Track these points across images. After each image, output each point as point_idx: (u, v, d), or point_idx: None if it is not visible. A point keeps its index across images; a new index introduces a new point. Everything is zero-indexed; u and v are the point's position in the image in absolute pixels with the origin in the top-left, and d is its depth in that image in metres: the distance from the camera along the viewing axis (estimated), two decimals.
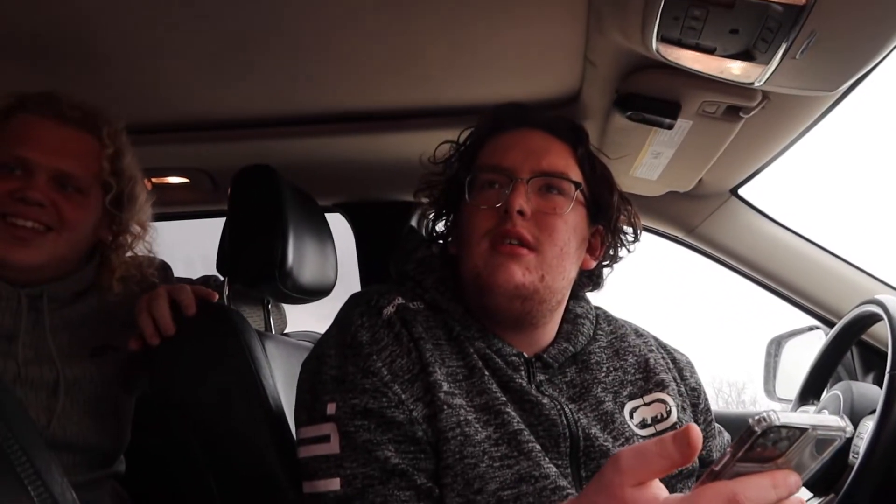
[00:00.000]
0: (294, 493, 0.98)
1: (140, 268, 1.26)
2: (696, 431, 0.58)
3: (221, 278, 1.35)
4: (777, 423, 0.54)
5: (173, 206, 1.94)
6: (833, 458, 1.15)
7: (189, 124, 1.53)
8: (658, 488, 0.60)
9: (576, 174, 1.03)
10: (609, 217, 1.07)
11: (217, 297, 1.20)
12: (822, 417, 0.58)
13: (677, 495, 0.59)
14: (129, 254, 1.26)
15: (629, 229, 1.12)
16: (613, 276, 1.17)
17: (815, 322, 1.76)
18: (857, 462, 1.02)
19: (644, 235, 1.80)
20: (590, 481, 0.65)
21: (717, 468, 0.58)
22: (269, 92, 1.40)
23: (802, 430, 0.56)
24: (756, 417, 0.55)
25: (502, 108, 1.09)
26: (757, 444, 0.55)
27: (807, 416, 0.56)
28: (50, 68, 1.30)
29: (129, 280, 1.24)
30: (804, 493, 1.21)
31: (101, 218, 1.22)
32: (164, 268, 1.38)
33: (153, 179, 1.77)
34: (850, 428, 0.58)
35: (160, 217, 2.00)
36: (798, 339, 1.84)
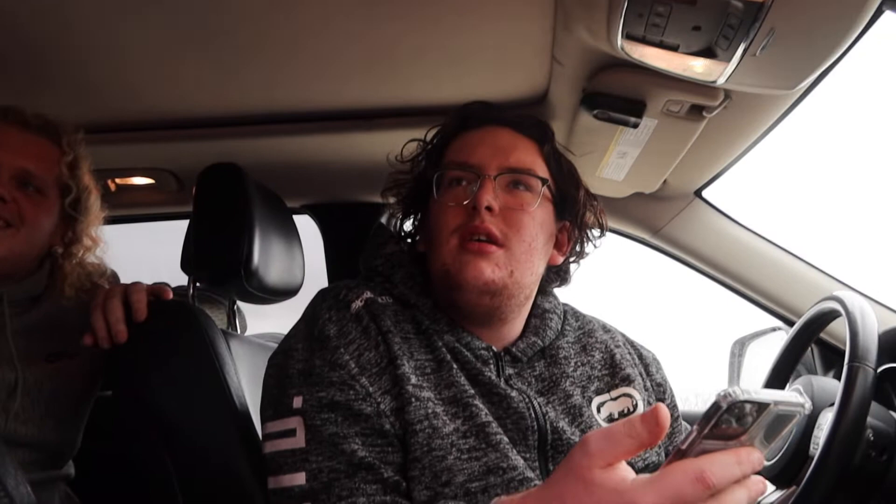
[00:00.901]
0: (259, 489, 0.97)
1: (90, 277, 1.29)
2: (665, 411, 0.58)
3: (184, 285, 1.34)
4: (741, 398, 0.56)
5: (138, 208, 1.91)
6: (794, 451, 1.17)
7: (154, 123, 1.51)
8: (625, 469, 0.61)
9: (542, 170, 1.04)
10: (575, 212, 1.08)
11: (171, 294, 1.20)
12: (782, 393, 0.59)
13: (645, 476, 0.59)
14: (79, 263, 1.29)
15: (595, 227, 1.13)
16: (581, 277, 1.19)
17: (778, 323, 1.79)
18: (817, 453, 1.04)
19: (610, 237, 1.83)
20: (559, 465, 0.65)
21: (683, 447, 0.59)
22: (236, 90, 1.39)
23: (764, 406, 0.57)
24: (721, 393, 0.56)
25: (469, 107, 1.10)
26: (722, 420, 0.57)
27: (768, 392, 0.58)
28: (10, 71, 1.27)
29: (80, 288, 1.27)
30: (767, 487, 1.22)
31: (57, 224, 1.26)
32: (115, 277, 1.39)
33: (117, 180, 1.74)
34: (808, 403, 0.59)
35: (125, 219, 1.99)
36: (761, 340, 1.87)
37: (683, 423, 1.17)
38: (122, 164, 1.66)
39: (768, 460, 1.21)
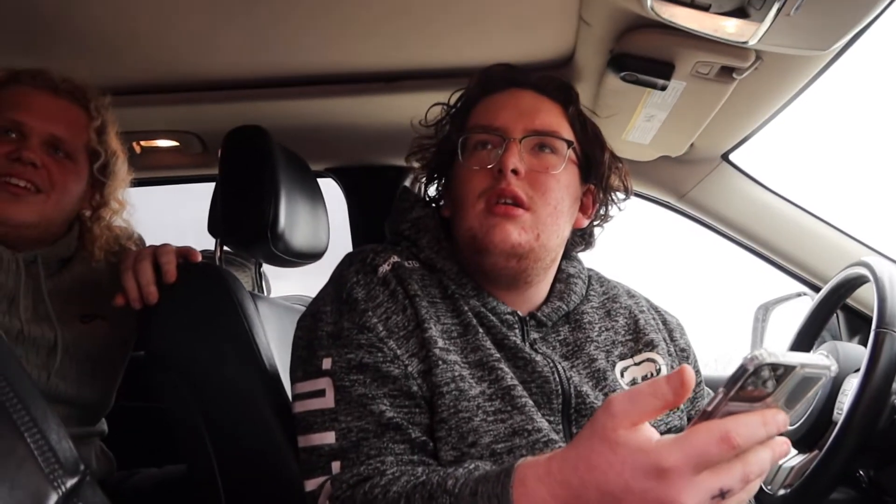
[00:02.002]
0: (289, 447, 0.99)
1: (118, 240, 1.32)
2: (690, 371, 0.59)
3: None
4: (767, 360, 0.56)
5: (163, 171, 1.93)
6: (818, 416, 1.18)
7: (178, 85, 1.51)
8: (650, 430, 0.61)
9: (567, 133, 1.03)
10: (600, 175, 1.08)
11: (199, 256, 1.22)
12: (808, 356, 0.59)
13: (670, 436, 0.60)
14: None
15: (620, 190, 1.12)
16: (606, 242, 1.18)
17: (804, 288, 1.78)
18: (841, 418, 1.04)
19: (635, 201, 1.82)
20: (583, 427, 0.65)
21: (709, 408, 0.59)
22: (260, 52, 1.39)
23: (791, 368, 0.57)
24: (748, 356, 0.56)
25: (493, 69, 1.09)
26: (748, 382, 0.57)
27: (794, 355, 0.58)
28: (33, 32, 1.28)
29: (108, 251, 1.30)
30: (790, 448, 1.23)
31: (86, 189, 1.28)
32: (141, 241, 1.42)
33: (142, 143, 1.75)
34: (835, 366, 0.59)
35: (150, 182, 2.01)
36: (785, 306, 1.86)
37: (706, 388, 1.17)
38: (147, 126, 1.67)
39: (792, 424, 1.22)
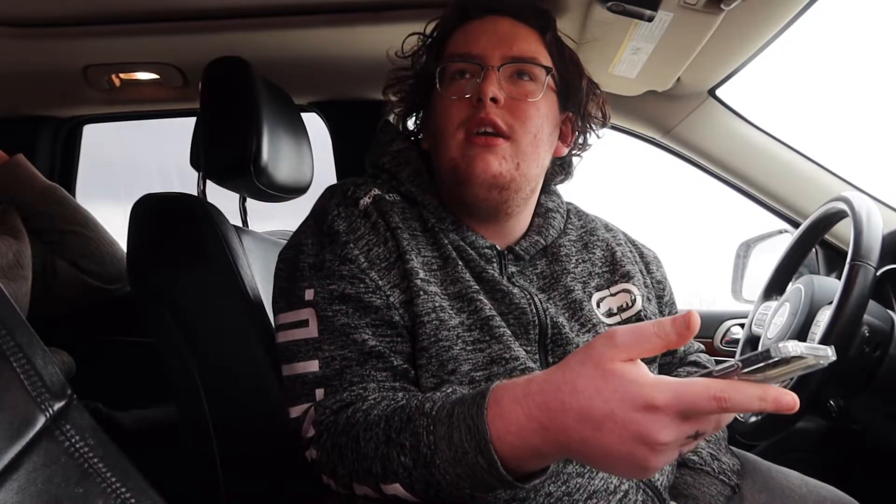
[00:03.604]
0: (274, 376, 1.01)
1: None
2: (696, 317, 0.60)
3: None
4: (793, 353, 0.56)
5: (144, 105, 1.89)
6: None
7: (156, 14, 1.47)
8: (645, 367, 0.63)
9: (546, 59, 1.02)
10: (579, 102, 1.07)
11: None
12: (820, 348, 0.59)
13: (668, 378, 0.61)
14: None
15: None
16: (588, 177, 1.19)
17: (785, 226, 1.80)
18: None
19: (620, 137, 1.81)
20: (574, 353, 0.66)
21: (715, 372, 0.60)
22: None
23: (801, 358, 0.58)
24: (776, 345, 0.56)
25: None
26: (766, 366, 0.58)
27: (816, 349, 0.58)
28: None
29: None
30: None
31: None
32: None
33: (121, 75, 1.71)
34: (833, 357, 0.60)
35: (131, 115, 1.98)
36: (767, 243, 1.88)
37: None
38: (126, 58, 1.62)
39: None
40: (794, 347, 0.57)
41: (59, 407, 0.60)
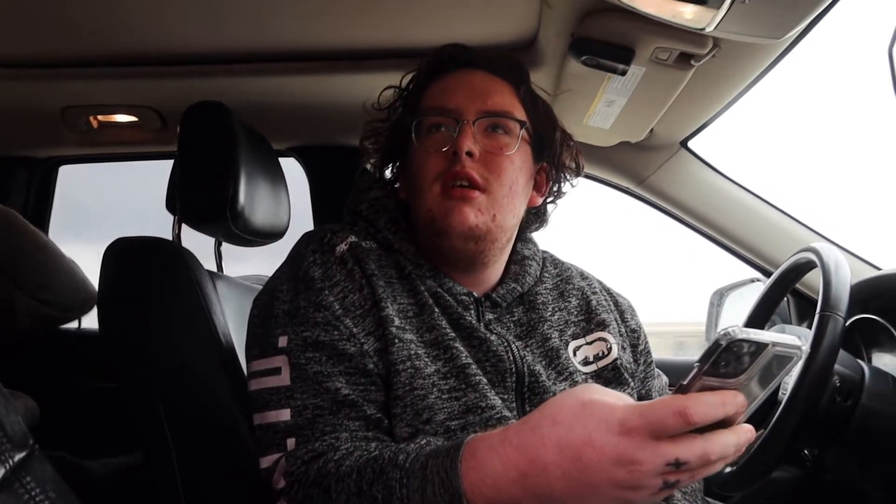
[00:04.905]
0: (246, 426, 0.99)
1: None
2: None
3: None
4: (739, 336, 0.58)
5: (122, 147, 1.89)
6: (767, 396, 1.22)
7: (137, 58, 1.48)
8: (624, 397, 0.66)
9: (520, 113, 1.04)
10: (553, 154, 1.09)
11: None
12: (780, 336, 0.61)
13: (635, 403, 0.64)
14: None
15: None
16: (565, 225, 1.20)
17: (757, 274, 1.82)
18: (785, 398, 1.08)
19: (595, 186, 1.84)
20: (555, 396, 0.69)
21: (684, 382, 0.62)
22: (221, 27, 1.36)
23: (762, 346, 0.60)
24: (721, 332, 0.59)
25: (444, 50, 1.08)
26: (721, 358, 0.59)
27: (766, 334, 0.60)
28: None
29: None
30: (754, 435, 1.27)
31: None
32: None
33: (99, 117, 1.71)
34: (805, 346, 0.62)
35: (108, 157, 1.98)
36: (740, 291, 1.91)
37: (657, 369, 1.20)
38: (105, 100, 1.63)
39: (764, 405, 1.25)
40: (738, 331, 0.58)
41: (20, 458, 0.58)
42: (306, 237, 1.02)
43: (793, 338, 0.62)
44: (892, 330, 1.32)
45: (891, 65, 0.92)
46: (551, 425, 0.66)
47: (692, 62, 1.21)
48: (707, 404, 0.60)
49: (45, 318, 1.46)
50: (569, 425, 0.64)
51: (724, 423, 0.63)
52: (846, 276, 1.11)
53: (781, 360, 0.63)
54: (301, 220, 1.64)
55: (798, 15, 0.99)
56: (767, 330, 1.47)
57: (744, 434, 0.64)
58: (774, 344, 0.60)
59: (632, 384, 1.08)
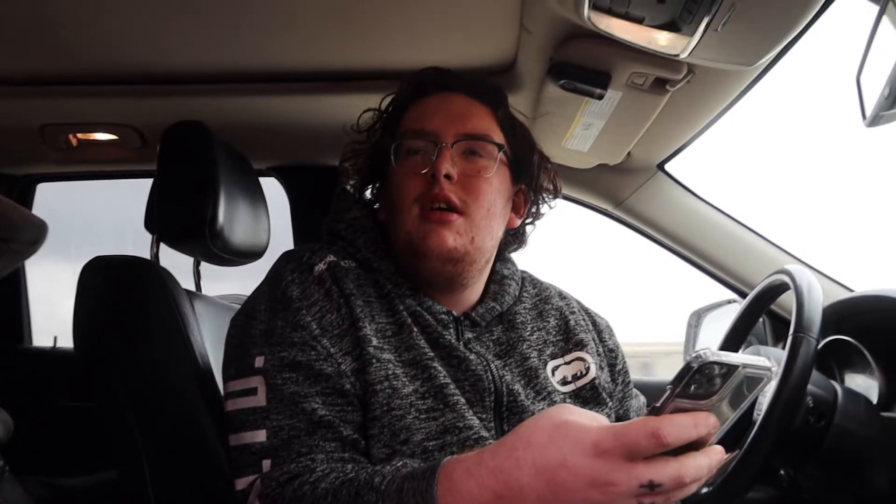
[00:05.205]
0: (221, 447, 0.98)
1: None
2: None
3: None
4: (710, 359, 0.60)
5: (101, 165, 1.88)
6: (741, 417, 1.23)
7: (118, 77, 1.48)
8: (600, 418, 0.67)
9: (498, 136, 1.05)
10: (531, 176, 1.10)
11: None
12: (751, 357, 0.63)
13: (609, 425, 0.65)
14: None
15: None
16: (546, 246, 1.21)
17: (734, 296, 1.84)
18: (759, 418, 1.09)
19: (574, 208, 1.86)
20: (530, 418, 0.70)
21: (657, 404, 0.63)
22: (203, 48, 1.37)
23: (734, 368, 0.61)
24: (693, 354, 0.60)
25: (423, 73, 1.10)
26: (693, 380, 0.61)
27: (737, 356, 0.62)
28: None
29: None
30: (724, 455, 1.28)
31: None
32: None
33: (79, 135, 1.71)
34: (775, 368, 0.63)
35: (88, 175, 1.97)
36: (717, 313, 1.93)
37: (635, 389, 1.21)
38: (85, 118, 1.62)
39: (735, 427, 1.26)
40: (710, 354, 0.60)
41: None
42: (285, 257, 1.02)
43: (763, 359, 0.63)
44: (865, 351, 1.34)
45: (859, 92, 0.94)
46: (526, 447, 0.66)
47: (667, 87, 1.24)
48: (680, 426, 0.61)
49: (16, 256, 1.45)
50: (543, 447, 0.65)
51: (697, 445, 0.64)
52: (818, 297, 1.13)
53: (752, 382, 0.64)
54: (281, 239, 1.64)
55: (769, 43, 1.01)
56: (743, 351, 1.49)
57: (715, 455, 0.65)
58: (745, 366, 0.62)
59: (610, 404, 1.08)
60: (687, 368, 0.60)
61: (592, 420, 0.66)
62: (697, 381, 0.61)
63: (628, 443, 0.62)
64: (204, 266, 1.48)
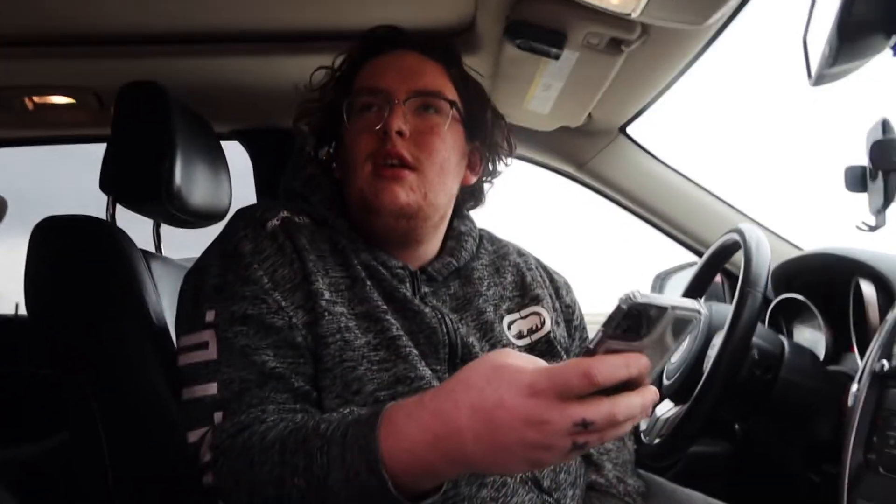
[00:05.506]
0: (175, 404, 0.99)
1: None
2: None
3: None
4: (640, 301, 0.61)
5: (59, 129, 1.85)
6: (690, 370, 1.26)
7: (73, 37, 1.44)
8: (533, 359, 0.69)
9: (451, 93, 1.06)
10: (485, 133, 1.11)
11: None
12: (679, 299, 0.64)
13: (545, 367, 0.66)
14: None
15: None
16: (508, 208, 1.22)
17: (696, 258, 1.88)
18: (707, 370, 1.12)
19: (537, 170, 1.87)
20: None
21: (591, 346, 0.64)
22: (161, 5, 1.34)
23: (663, 309, 0.63)
24: (622, 296, 0.61)
25: (376, 31, 1.10)
26: (624, 322, 0.62)
27: (666, 298, 0.63)
28: None
29: None
30: (666, 403, 1.32)
31: None
32: None
33: (35, 98, 1.67)
34: (704, 310, 0.65)
35: (44, 140, 1.93)
36: (681, 275, 1.97)
37: None
38: (40, 80, 1.59)
39: (669, 377, 1.30)
40: (639, 295, 0.61)
41: None
42: (238, 214, 1.03)
43: (692, 301, 0.65)
44: (811, 306, 1.38)
45: (805, 52, 0.95)
46: (465, 389, 0.68)
47: (622, 48, 1.25)
48: (611, 365, 0.63)
49: None
50: (481, 389, 0.67)
51: (631, 386, 0.66)
52: (766, 254, 1.16)
53: (682, 323, 0.66)
54: (248, 202, 1.63)
55: (718, 1, 1.02)
56: None
57: (649, 395, 0.67)
58: (674, 307, 0.63)
59: (565, 357, 1.11)
60: (618, 310, 0.62)
61: (530, 363, 0.68)
62: (628, 322, 0.62)
63: (561, 383, 0.63)
64: (180, 232, 1.47)
